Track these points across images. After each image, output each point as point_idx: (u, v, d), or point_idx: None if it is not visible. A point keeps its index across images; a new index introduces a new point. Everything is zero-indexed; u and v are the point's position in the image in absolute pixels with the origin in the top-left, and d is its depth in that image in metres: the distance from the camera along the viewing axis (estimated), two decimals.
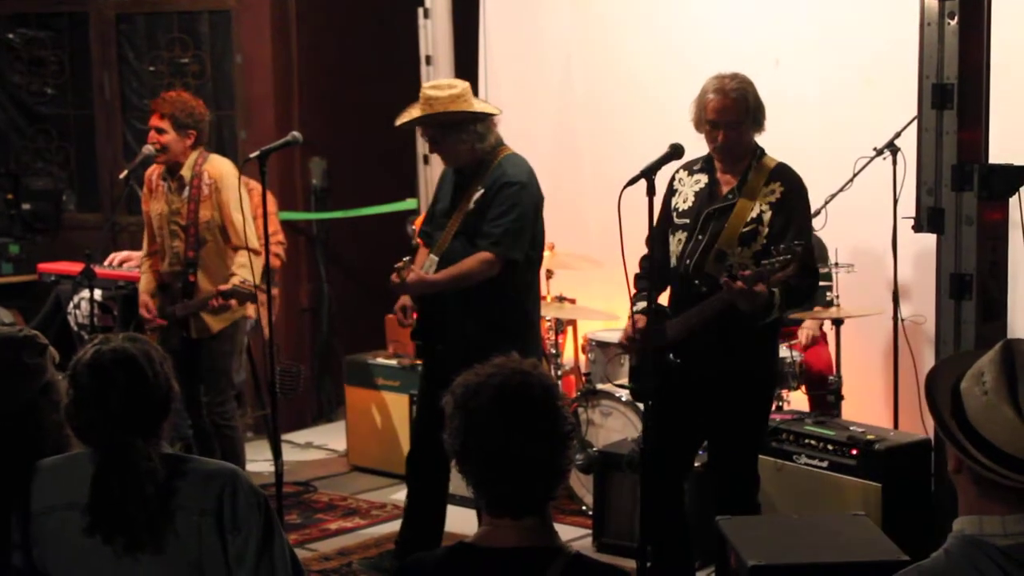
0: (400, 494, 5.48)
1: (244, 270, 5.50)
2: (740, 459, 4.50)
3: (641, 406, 4.59)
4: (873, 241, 5.85)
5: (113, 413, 2.69)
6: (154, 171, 5.74)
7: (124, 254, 6.74)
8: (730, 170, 4.46)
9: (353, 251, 8.18)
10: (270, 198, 6.08)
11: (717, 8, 6.53)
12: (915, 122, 4.65)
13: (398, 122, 4.93)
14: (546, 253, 5.24)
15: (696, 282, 4.40)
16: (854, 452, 5.03)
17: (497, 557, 2.30)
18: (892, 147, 5.53)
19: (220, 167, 5.63)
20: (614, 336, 5.84)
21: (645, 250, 4.51)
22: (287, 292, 7.47)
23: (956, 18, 4.41)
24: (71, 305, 6.59)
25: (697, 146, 4.47)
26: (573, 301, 6.52)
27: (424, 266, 4.88)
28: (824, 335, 6.05)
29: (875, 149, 5.58)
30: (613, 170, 4.86)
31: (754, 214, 4.36)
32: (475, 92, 5.10)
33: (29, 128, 8.25)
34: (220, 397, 5.71)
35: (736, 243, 4.35)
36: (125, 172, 5.90)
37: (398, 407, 6.61)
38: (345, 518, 6.07)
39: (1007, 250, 4.51)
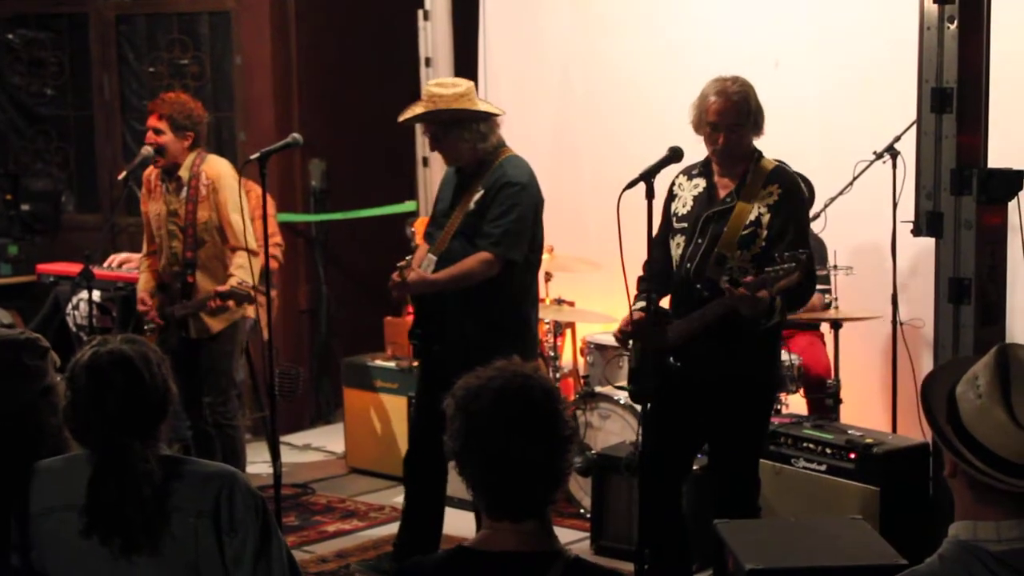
0: (398, 496, 5.48)
1: (242, 271, 5.49)
2: (741, 462, 4.50)
3: (639, 409, 4.58)
4: (872, 245, 5.85)
5: (110, 415, 2.69)
6: (152, 172, 5.73)
7: (123, 256, 6.74)
8: (728, 173, 4.46)
9: (352, 253, 8.17)
10: (269, 200, 6.07)
11: (717, 11, 6.53)
12: (914, 126, 4.65)
13: (401, 118, 4.93)
14: (545, 255, 5.24)
15: (697, 286, 4.39)
16: (852, 456, 5.02)
17: (496, 561, 2.30)
18: (892, 151, 5.54)
19: (218, 168, 5.63)
20: (613, 339, 5.84)
21: (644, 254, 4.50)
22: (286, 294, 7.46)
23: (956, 22, 4.42)
24: (70, 306, 6.59)
25: (696, 149, 4.47)
26: (572, 304, 6.52)
27: (422, 265, 4.88)
28: (822, 337, 6.05)
29: (875, 152, 5.59)
30: (612, 173, 4.85)
31: (752, 217, 4.36)
32: None
33: (29, 129, 8.26)
34: (222, 397, 5.70)
35: (736, 246, 4.34)
36: (124, 173, 5.89)
37: (396, 409, 6.61)
38: (343, 520, 6.07)
39: (1006, 254, 4.52)
